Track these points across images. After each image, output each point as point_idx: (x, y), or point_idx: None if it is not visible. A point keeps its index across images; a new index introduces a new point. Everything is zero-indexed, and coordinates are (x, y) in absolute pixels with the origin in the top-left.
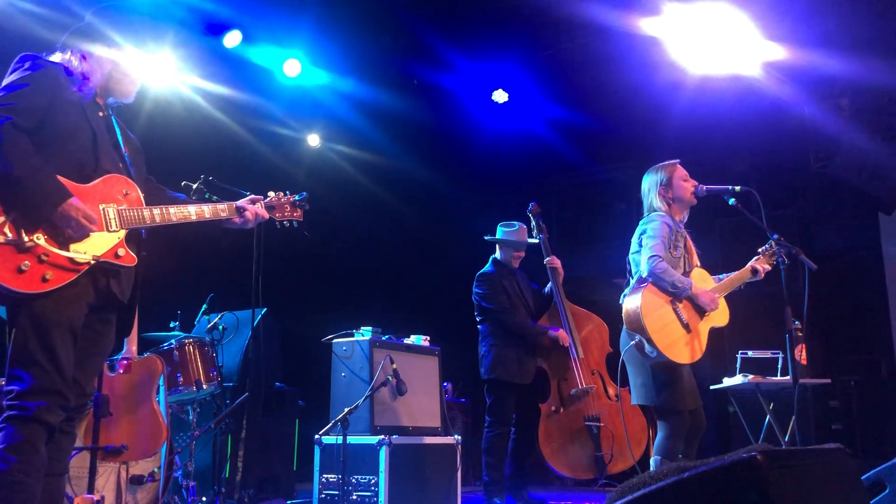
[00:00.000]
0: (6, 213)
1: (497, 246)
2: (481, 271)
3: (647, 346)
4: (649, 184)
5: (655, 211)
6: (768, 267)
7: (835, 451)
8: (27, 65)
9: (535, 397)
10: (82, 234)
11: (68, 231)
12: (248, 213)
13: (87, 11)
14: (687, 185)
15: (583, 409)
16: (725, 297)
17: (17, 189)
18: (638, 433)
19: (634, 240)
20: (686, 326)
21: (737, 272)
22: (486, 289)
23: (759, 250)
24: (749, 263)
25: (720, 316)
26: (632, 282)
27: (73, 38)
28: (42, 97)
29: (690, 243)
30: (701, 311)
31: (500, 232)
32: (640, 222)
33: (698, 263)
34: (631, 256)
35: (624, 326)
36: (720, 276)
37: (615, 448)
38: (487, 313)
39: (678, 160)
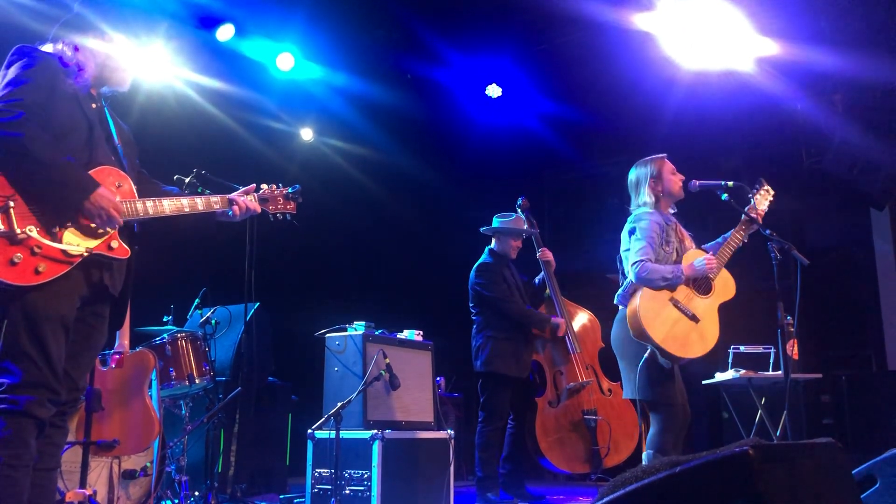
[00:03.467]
0: None
1: (494, 237)
2: (480, 261)
3: (660, 357)
4: (638, 177)
5: (643, 206)
6: (764, 209)
7: (826, 446)
8: (25, 59)
9: (530, 391)
10: (112, 225)
11: (97, 221)
12: (236, 207)
13: (77, 2)
14: (675, 179)
15: (580, 402)
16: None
17: (47, 180)
18: (630, 427)
19: (624, 236)
20: (693, 317)
21: (732, 232)
22: (486, 278)
23: (749, 195)
24: (743, 217)
25: (725, 289)
26: (625, 282)
27: (65, 30)
28: (43, 91)
29: (682, 230)
30: (704, 290)
31: (498, 222)
32: (629, 219)
33: (692, 247)
34: (622, 253)
35: (616, 323)
36: (718, 241)
37: (610, 442)
38: (486, 303)
39: (665, 154)
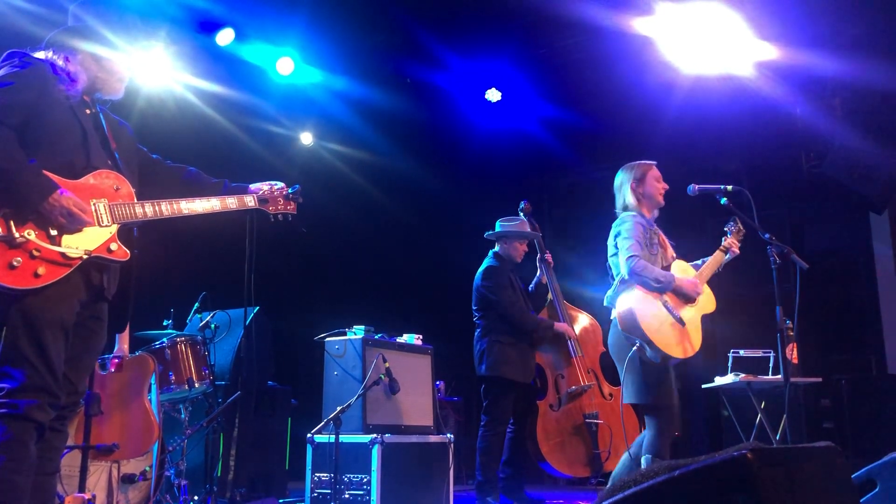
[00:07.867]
0: None
1: (497, 241)
2: (487, 265)
3: (648, 350)
4: (622, 179)
5: (626, 210)
6: (738, 242)
7: (826, 450)
8: (14, 61)
9: (531, 394)
10: (75, 223)
11: (61, 221)
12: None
13: (76, 6)
14: (659, 187)
15: (581, 406)
16: (711, 286)
17: (1, 181)
18: (631, 432)
19: (610, 242)
20: (680, 321)
21: (711, 257)
22: (493, 281)
23: (725, 229)
24: (720, 246)
25: (707, 302)
26: (614, 284)
27: (59, 38)
28: (27, 95)
29: (663, 237)
30: (688, 300)
31: (504, 226)
32: (614, 224)
33: (674, 255)
34: (610, 260)
35: (612, 328)
36: (698, 263)
37: (611, 446)
38: (492, 307)
39: (655, 162)
